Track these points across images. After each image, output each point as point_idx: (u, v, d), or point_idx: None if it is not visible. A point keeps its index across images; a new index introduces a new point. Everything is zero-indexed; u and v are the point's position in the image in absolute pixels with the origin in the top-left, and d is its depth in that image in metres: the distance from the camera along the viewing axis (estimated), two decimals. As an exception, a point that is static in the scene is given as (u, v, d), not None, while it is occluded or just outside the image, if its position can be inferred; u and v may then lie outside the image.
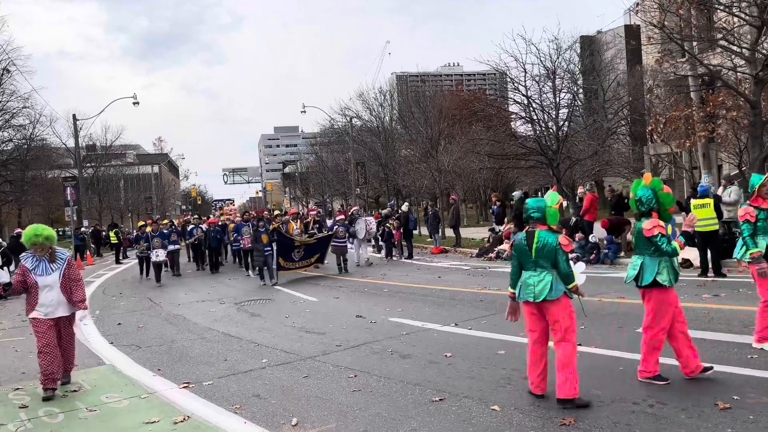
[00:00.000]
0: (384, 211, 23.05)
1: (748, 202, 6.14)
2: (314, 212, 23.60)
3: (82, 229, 30.37)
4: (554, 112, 18.86)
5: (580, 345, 4.87)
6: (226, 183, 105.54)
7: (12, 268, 16.99)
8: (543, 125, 18.83)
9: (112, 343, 8.53)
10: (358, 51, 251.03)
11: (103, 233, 34.04)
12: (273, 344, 7.71)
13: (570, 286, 4.74)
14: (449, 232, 22.29)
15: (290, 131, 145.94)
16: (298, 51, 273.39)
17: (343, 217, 18.02)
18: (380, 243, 19.91)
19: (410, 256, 18.72)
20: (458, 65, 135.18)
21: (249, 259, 17.09)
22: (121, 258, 26.59)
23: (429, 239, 22.09)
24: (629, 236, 14.42)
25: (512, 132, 23.22)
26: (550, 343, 4.91)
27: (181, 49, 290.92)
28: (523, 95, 18.97)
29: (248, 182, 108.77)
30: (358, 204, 35.74)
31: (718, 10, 14.70)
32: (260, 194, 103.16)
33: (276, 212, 22.23)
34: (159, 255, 16.19)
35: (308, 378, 6.04)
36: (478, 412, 4.71)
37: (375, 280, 14.01)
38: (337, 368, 6.33)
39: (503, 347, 6.66)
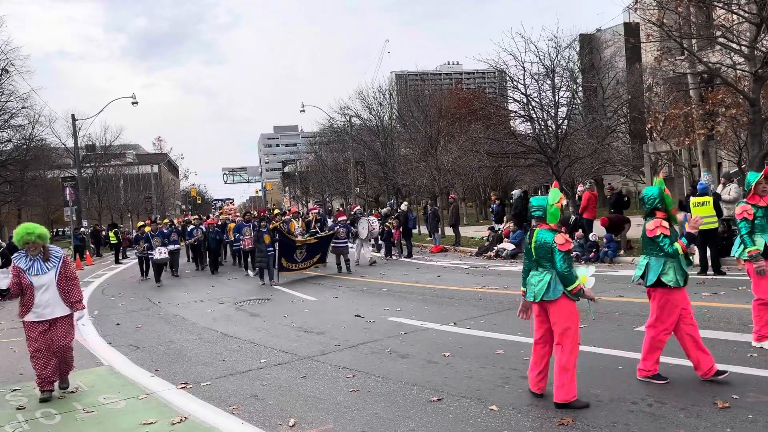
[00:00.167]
0: (383, 210, 23.05)
1: (745, 200, 6.12)
2: (315, 211, 23.55)
3: (82, 229, 30.35)
4: (553, 111, 18.83)
5: (579, 344, 4.80)
6: (225, 182, 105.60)
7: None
8: (542, 123, 18.80)
9: (110, 343, 8.52)
10: (357, 51, 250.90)
11: (103, 233, 34.02)
12: (271, 344, 7.69)
13: (570, 288, 4.58)
14: (449, 231, 22.28)
15: (290, 130, 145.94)
16: (298, 51, 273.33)
17: (344, 218, 17.99)
18: (380, 242, 19.89)
19: (410, 255, 18.71)
20: (458, 64, 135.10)
21: (249, 259, 17.07)
22: (120, 258, 26.59)
23: (428, 238, 22.09)
24: (628, 234, 14.43)
25: (511, 130, 23.23)
26: None
27: (180, 48, 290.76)
28: (523, 94, 18.94)
29: (248, 182, 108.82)
30: (357, 203, 35.70)
31: (717, 8, 14.67)
32: (260, 194, 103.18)
33: (276, 211, 22.19)
34: (162, 252, 16.03)
35: (306, 378, 6.02)
36: (476, 412, 4.69)
37: (374, 279, 13.99)
38: (336, 368, 6.31)
39: (502, 346, 6.64)
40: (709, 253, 10.81)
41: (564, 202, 4.79)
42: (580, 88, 24.97)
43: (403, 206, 20.95)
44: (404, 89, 50.34)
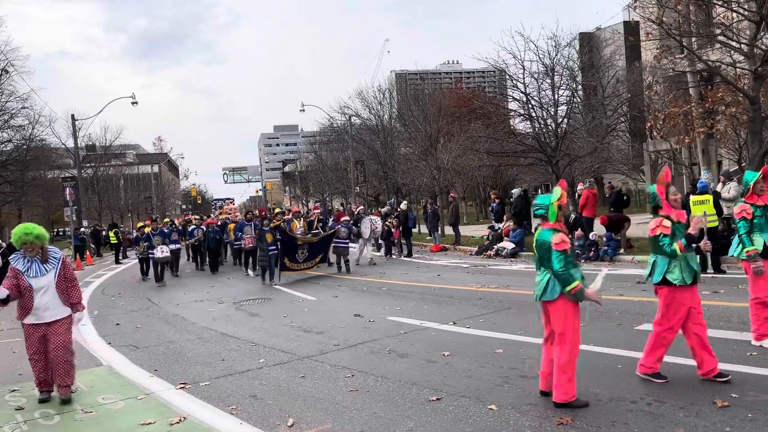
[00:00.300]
0: (383, 210, 23.06)
1: (743, 199, 6.11)
2: (318, 210, 23.49)
3: (82, 229, 30.35)
4: (553, 109, 18.84)
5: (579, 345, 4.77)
6: (226, 182, 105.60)
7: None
8: (542, 122, 18.81)
9: (109, 343, 8.52)
10: (357, 51, 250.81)
11: (103, 233, 34.04)
12: (271, 344, 7.69)
13: (569, 288, 4.50)
14: (449, 230, 22.27)
15: (290, 130, 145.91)
16: (298, 51, 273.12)
17: (347, 218, 17.97)
18: (380, 241, 19.89)
19: (409, 255, 18.71)
20: (457, 63, 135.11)
21: (249, 259, 17.05)
22: (120, 258, 26.59)
23: (428, 237, 22.08)
24: (628, 233, 14.42)
25: (511, 129, 23.22)
26: None
27: (180, 48, 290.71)
28: (522, 92, 18.97)
29: (248, 181, 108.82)
30: (356, 203, 35.69)
31: (717, 6, 14.66)
32: (260, 193, 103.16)
33: (277, 210, 22.17)
34: (164, 251, 15.92)
35: (305, 378, 6.02)
36: (475, 412, 4.68)
37: (374, 278, 13.99)
38: (335, 368, 6.31)
39: (501, 346, 6.63)
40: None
41: (564, 201, 4.71)
42: (580, 87, 24.98)
43: (403, 205, 20.96)
44: (404, 88, 50.26)
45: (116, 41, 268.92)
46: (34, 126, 37.83)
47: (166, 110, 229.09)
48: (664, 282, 4.94)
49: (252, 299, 12.03)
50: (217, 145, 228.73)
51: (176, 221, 26.11)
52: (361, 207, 25.28)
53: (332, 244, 15.97)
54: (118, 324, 10.12)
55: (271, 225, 14.91)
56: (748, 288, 6.01)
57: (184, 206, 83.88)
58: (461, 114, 34.58)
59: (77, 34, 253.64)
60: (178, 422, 4.93)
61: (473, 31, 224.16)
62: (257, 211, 21.97)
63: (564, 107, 19.90)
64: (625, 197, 16.71)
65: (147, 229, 17.34)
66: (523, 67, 18.54)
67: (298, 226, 18.17)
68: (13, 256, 5.80)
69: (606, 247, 13.85)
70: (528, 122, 20.24)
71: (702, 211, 10.36)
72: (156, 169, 77.69)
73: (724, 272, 10.52)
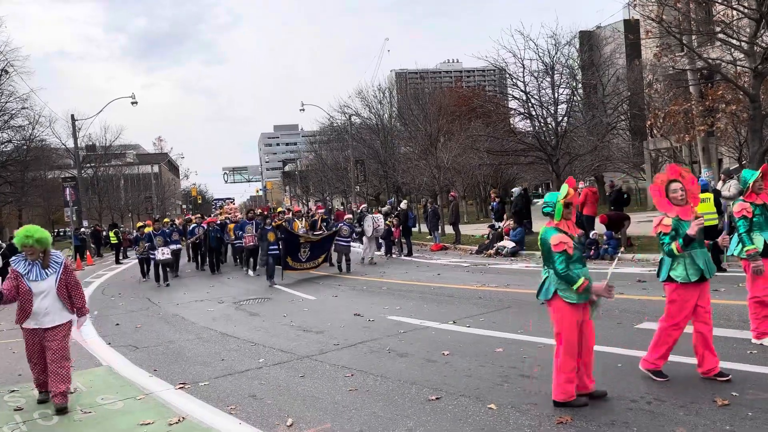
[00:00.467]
0: (384, 209, 23.03)
1: (742, 198, 6.08)
2: (321, 210, 23.45)
3: (82, 229, 30.35)
4: (553, 108, 18.81)
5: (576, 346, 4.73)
6: (226, 182, 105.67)
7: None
8: (542, 121, 18.79)
9: (109, 343, 8.51)
10: (357, 50, 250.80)
11: (103, 233, 34.03)
12: (270, 343, 7.68)
13: (575, 288, 4.42)
14: (449, 229, 22.26)
15: (290, 129, 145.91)
16: (298, 51, 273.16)
17: (350, 216, 17.93)
18: (380, 241, 19.89)
19: (410, 254, 18.70)
20: (457, 62, 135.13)
21: (250, 258, 17.02)
22: (120, 258, 26.59)
23: (429, 236, 22.06)
24: (628, 231, 14.40)
25: (511, 128, 23.18)
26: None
27: (180, 48, 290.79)
28: (522, 91, 18.94)
29: (248, 181, 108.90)
30: (359, 201, 35.68)
31: (717, 3, 14.62)
32: (260, 193, 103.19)
33: (279, 209, 22.12)
34: (165, 253, 15.83)
35: (305, 377, 6.01)
36: (475, 411, 4.67)
37: (374, 278, 13.98)
38: (334, 367, 6.30)
39: (501, 345, 6.62)
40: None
41: (573, 199, 4.60)
42: (580, 85, 24.95)
43: (403, 205, 20.94)
44: (404, 87, 50.28)
45: (116, 41, 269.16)
46: (34, 126, 37.91)
47: (166, 110, 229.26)
48: (670, 279, 4.93)
49: (252, 299, 12.02)
50: (217, 145, 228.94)
51: (176, 221, 26.10)
52: (365, 205, 25.24)
53: (335, 242, 15.92)
54: (117, 324, 10.12)
55: (273, 224, 14.88)
56: (746, 286, 5.99)
57: (184, 206, 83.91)
58: (461, 113, 34.56)
59: (77, 34, 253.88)
60: (177, 422, 4.93)
61: (473, 30, 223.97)
62: (259, 210, 21.96)
63: (564, 106, 19.89)
64: (625, 195, 16.69)
65: (147, 229, 17.31)
66: (523, 65, 18.54)
67: (300, 225, 18.15)
68: (14, 258, 5.70)
69: (606, 246, 13.84)
70: (528, 121, 20.23)
71: (702, 210, 10.35)
72: (156, 169, 77.74)
73: (724, 270, 10.49)
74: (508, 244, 16.44)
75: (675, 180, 4.94)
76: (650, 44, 19.31)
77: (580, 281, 4.43)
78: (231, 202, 79.34)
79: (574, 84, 22.43)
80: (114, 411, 5.38)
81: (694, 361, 5.04)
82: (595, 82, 28.11)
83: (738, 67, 15.00)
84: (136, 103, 33.58)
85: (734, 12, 14.09)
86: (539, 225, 19.81)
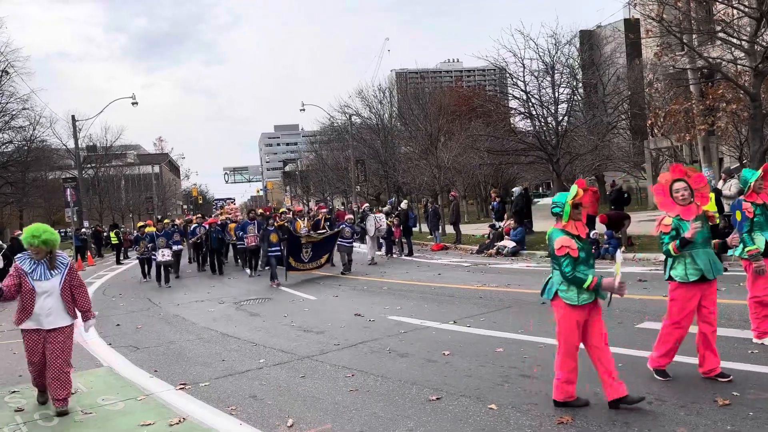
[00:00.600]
0: (384, 209, 23.03)
1: (742, 198, 6.07)
2: (325, 210, 23.36)
3: (83, 230, 30.37)
4: (553, 107, 18.80)
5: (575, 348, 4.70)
6: (227, 182, 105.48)
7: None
8: (542, 120, 18.78)
9: (110, 344, 8.52)
10: (357, 50, 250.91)
11: (104, 234, 34.05)
12: (271, 344, 7.67)
13: (585, 287, 4.37)
14: (449, 229, 22.25)
15: (290, 129, 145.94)
16: (298, 51, 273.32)
17: (350, 216, 17.92)
18: (380, 240, 19.89)
19: (410, 254, 18.69)
20: (458, 61, 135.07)
21: (252, 259, 17.00)
22: (121, 258, 26.60)
23: (429, 236, 22.05)
24: (629, 230, 14.39)
25: (512, 128, 23.18)
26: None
27: (180, 48, 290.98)
28: (522, 91, 18.93)
29: (249, 181, 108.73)
30: (359, 201, 35.68)
31: (717, 2, 14.61)
32: (261, 193, 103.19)
33: (282, 210, 22.08)
34: (165, 254, 15.79)
35: (305, 378, 6.00)
36: (476, 411, 4.67)
37: (375, 278, 13.98)
38: (335, 367, 6.29)
39: (502, 345, 6.62)
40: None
41: (581, 200, 4.56)
42: (580, 85, 24.93)
43: (403, 204, 20.93)
44: (404, 87, 50.20)
45: (116, 41, 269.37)
46: (34, 127, 37.92)
47: (166, 110, 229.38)
48: (671, 278, 4.93)
49: (252, 299, 12.02)
50: (217, 145, 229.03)
51: (176, 221, 26.10)
52: (367, 204, 25.20)
53: (337, 243, 15.89)
54: (118, 325, 10.12)
55: (275, 224, 14.85)
56: (746, 285, 5.98)
57: (185, 206, 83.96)
58: (462, 112, 34.55)
59: (77, 34, 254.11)
60: (177, 423, 4.92)
61: (473, 30, 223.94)
62: (262, 210, 21.90)
63: (564, 105, 19.88)
64: (625, 195, 16.68)
65: (149, 229, 17.30)
66: (524, 65, 18.53)
67: (302, 225, 18.13)
68: (20, 255, 5.54)
69: (607, 245, 13.82)
70: (528, 120, 20.22)
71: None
72: (157, 169, 77.77)
73: (725, 270, 10.47)
74: (508, 243, 16.43)
75: (679, 179, 4.92)
76: (651, 43, 19.29)
77: (590, 279, 4.37)
78: (231, 202, 79.40)
79: (575, 83, 22.41)
80: (115, 412, 5.37)
81: (695, 360, 5.04)
82: (595, 82, 28.10)
83: (738, 66, 14.99)
84: (137, 103, 33.60)
85: (734, 11, 14.08)
86: (540, 225, 19.87)
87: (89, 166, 48.60)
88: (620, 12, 44.90)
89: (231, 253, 20.40)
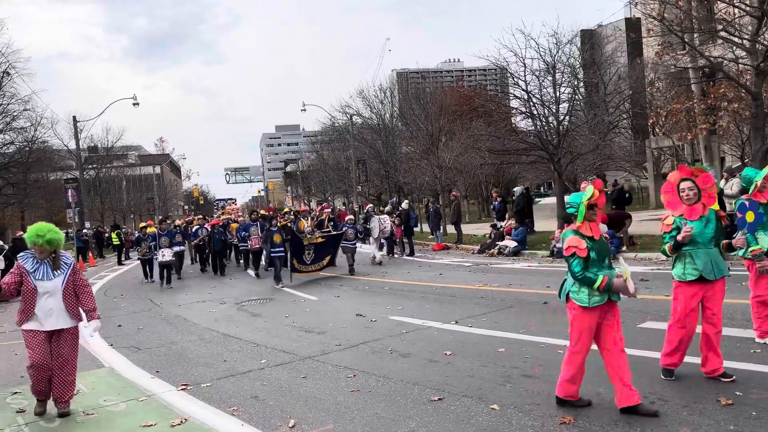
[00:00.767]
0: (386, 209, 23.01)
1: (744, 197, 6.04)
2: (328, 210, 23.31)
3: (84, 230, 30.39)
4: (555, 107, 18.75)
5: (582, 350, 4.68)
6: (228, 183, 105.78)
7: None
8: (543, 120, 18.73)
9: (111, 345, 8.51)
10: (357, 51, 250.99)
11: (106, 235, 34.07)
12: (272, 344, 7.67)
13: (595, 287, 4.35)
14: (450, 229, 22.23)
15: (291, 129, 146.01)
16: (298, 51, 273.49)
17: (351, 217, 17.92)
18: (382, 241, 19.87)
19: (411, 254, 18.68)
20: (458, 61, 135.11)
21: (254, 260, 16.98)
22: (123, 259, 26.62)
23: (430, 236, 22.05)
24: (630, 230, 14.36)
25: (513, 127, 23.11)
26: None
27: (180, 48, 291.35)
28: (524, 90, 18.87)
29: (250, 181, 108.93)
30: (359, 202, 35.67)
31: (718, 1, 14.59)
32: (262, 193, 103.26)
33: (285, 210, 22.07)
34: (166, 255, 15.80)
35: (307, 378, 6.00)
36: (478, 411, 4.66)
37: (376, 278, 13.97)
38: (336, 368, 6.29)
39: (503, 345, 6.61)
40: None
41: (597, 200, 4.44)
42: (582, 84, 24.87)
43: (404, 204, 20.93)
44: (405, 87, 50.16)
45: (116, 42, 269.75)
46: (36, 128, 37.89)
47: (166, 110, 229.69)
48: (672, 277, 4.95)
49: (254, 300, 12.01)
50: (217, 145, 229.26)
51: (177, 222, 26.10)
52: (371, 205, 25.16)
53: (341, 244, 15.85)
54: (120, 325, 10.12)
55: (278, 225, 14.84)
56: (749, 284, 5.96)
57: (186, 207, 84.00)
58: (463, 112, 34.52)
59: (77, 34, 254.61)
60: (179, 424, 4.92)
61: (474, 29, 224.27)
62: (265, 210, 21.89)
63: (565, 105, 19.79)
64: (626, 194, 16.66)
65: (150, 230, 17.30)
66: (524, 64, 18.45)
67: (306, 225, 18.11)
68: (22, 253, 5.44)
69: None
70: (529, 120, 20.14)
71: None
72: (158, 170, 77.76)
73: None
74: (510, 243, 16.42)
75: (686, 179, 4.91)
76: (652, 42, 19.27)
77: (600, 279, 4.34)
78: (233, 203, 79.33)
79: (576, 83, 22.34)
80: (116, 413, 5.37)
81: (697, 360, 5.02)
82: (596, 81, 28.02)
83: (740, 65, 14.98)
84: (138, 104, 33.62)
85: (736, 10, 14.06)
86: (541, 224, 19.85)
87: (91, 166, 48.61)
88: (621, 11, 44.90)
89: (233, 254, 20.38)
